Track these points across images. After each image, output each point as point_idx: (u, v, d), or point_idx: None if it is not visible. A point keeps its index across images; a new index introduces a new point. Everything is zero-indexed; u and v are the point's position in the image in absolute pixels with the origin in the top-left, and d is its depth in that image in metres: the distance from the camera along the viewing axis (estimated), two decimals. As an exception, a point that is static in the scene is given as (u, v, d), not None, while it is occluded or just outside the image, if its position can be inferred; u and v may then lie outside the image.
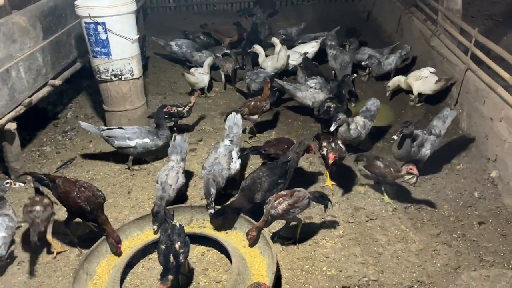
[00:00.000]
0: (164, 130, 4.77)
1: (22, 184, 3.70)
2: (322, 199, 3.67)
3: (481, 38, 5.05)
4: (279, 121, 5.81)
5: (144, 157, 4.86)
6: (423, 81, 5.75)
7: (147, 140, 4.64)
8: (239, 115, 4.50)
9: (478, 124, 4.92)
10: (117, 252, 3.51)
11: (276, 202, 3.53)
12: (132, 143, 4.59)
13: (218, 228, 3.79)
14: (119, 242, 3.49)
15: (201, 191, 4.29)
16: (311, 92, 5.59)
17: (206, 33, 8.00)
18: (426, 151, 4.30)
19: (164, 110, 4.98)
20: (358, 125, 4.75)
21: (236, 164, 4.20)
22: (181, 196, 4.19)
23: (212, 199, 3.74)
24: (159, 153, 4.87)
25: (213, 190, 3.79)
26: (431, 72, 5.79)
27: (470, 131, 5.11)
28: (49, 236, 3.58)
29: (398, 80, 6.06)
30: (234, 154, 4.22)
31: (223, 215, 3.75)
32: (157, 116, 4.89)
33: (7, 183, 3.50)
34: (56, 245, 3.68)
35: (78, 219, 3.71)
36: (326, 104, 5.17)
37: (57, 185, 3.54)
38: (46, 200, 3.54)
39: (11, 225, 3.37)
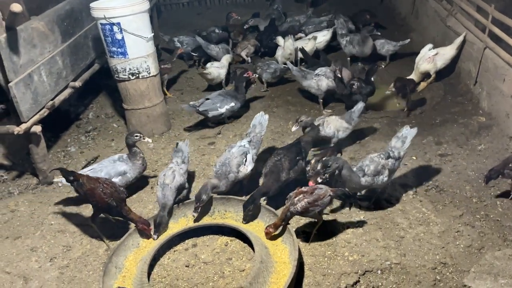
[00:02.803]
0: (242, 93, 5.61)
1: (149, 140, 4.31)
2: (346, 197, 3.66)
3: (498, 15, 4.94)
4: (283, 107, 5.83)
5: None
6: (438, 57, 5.70)
7: (232, 104, 5.49)
8: (266, 115, 4.45)
9: (499, 102, 4.84)
10: (149, 235, 3.70)
11: (296, 199, 3.50)
12: (222, 110, 5.42)
13: (250, 219, 3.84)
14: (148, 225, 3.68)
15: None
16: (315, 80, 5.66)
17: (221, 27, 8.03)
18: (384, 178, 3.80)
19: (245, 75, 5.72)
20: (331, 125, 4.60)
21: (247, 168, 4.10)
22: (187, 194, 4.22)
23: (200, 205, 3.81)
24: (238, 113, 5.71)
25: (204, 197, 3.81)
26: (431, 49, 5.84)
27: (490, 110, 5.03)
28: None
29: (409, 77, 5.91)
30: (249, 158, 4.13)
31: (253, 202, 3.80)
32: (238, 79, 5.71)
33: (136, 135, 4.17)
34: None
35: (103, 216, 3.85)
36: (352, 81, 5.33)
37: (82, 183, 3.66)
38: None
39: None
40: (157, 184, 3.96)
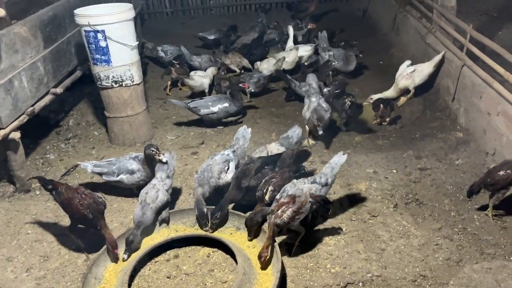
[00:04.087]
0: (237, 99, 5.71)
1: (164, 159, 4.02)
2: (324, 202, 3.70)
3: (475, 34, 5.11)
4: (266, 119, 5.86)
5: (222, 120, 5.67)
6: (416, 74, 5.86)
7: (226, 104, 5.56)
8: (249, 129, 4.50)
9: (476, 118, 4.98)
10: (114, 257, 3.53)
11: (280, 211, 3.46)
12: (214, 109, 5.49)
13: (217, 227, 3.83)
14: (115, 248, 3.51)
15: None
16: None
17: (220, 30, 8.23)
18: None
19: (240, 85, 5.88)
20: (270, 152, 4.49)
21: (228, 176, 4.12)
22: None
23: (205, 220, 3.79)
24: (236, 117, 5.83)
25: (205, 210, 3.81)
26: (409, 65, 6.03)
27: (468, 126, 5.17)
28: None
29: (384, 95, 5.99)
30: (231, 166, 4.16)
31: (220, 210, 3.80)
32: (233, 88, 5.85)
33: (152, 150, 4.05)
34: None
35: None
36: (345, 98, 5.43)
37: (60, 192, 3.59)
38: None
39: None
40: (138, 201, 3.85)
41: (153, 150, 4.05)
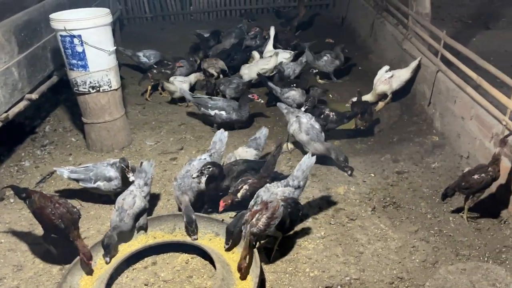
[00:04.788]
0: (244, 110, 5.68)
1: (132, 178, 3.99)
2: (295, 204, 3.71)
3: (449, 40, 5.24)
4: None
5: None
6: (393, 80, 5.97)
7: (223, 112, 5.60)
8: (225, 132, 4.49)
9: (451, 123, 5.09)
10: (89, 269, 3.45)
11: (254, 219, 3.43)
12: (212, 113, 5.62)
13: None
14: (90, 258, 3.42)
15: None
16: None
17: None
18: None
19: (250, 96, 5.73)
20: (238, 156, 4.61)
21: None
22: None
23: (194, 226, 3.75)
24: (241, 124, 5.82)
25: (194, 217, 3.78)
26: (387, 71, 6.14)
27: (443, 130, 5.27)
28: None
29: (365, 98, 6.08)
30: None
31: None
32: (243, 98, 5.76)
33: (123, 164, 4.04)
34: None
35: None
36: (324, 109, 5.39)
37: (33, 200, 3.51)
38: None
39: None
40: (114, 207, 3.80)
41: (123, 167, 4.02)
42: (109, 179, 4.16)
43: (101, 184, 4.18)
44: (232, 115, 5.65)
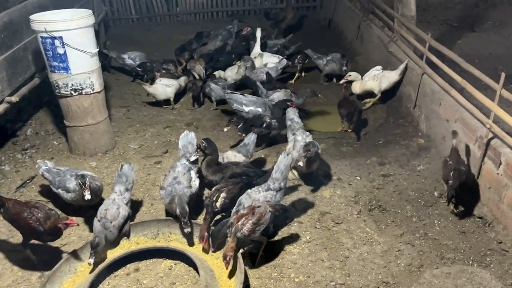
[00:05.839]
0: (277, 115, 5.37)
1: (88, 197, 3.78)
2: (283, 211, 3.67)
3: (434, 43, 5.25)
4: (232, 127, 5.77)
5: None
6: (383, 79, 5.99)
7: (259, 109, 5.48)
8: (192, 133, 4.31)
9: (436, 125, 5.10)
10: (72, 223, 3.45)
11: (239, 223, 3.40)
12: (246, 109, 5.52)
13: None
14: (70, 221, 3.42)
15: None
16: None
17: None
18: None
19: (288, 103, 5.35)
20: (226, 158, 4.59)
21: (195, 183, 4.05)
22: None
23: (187, 218, 3.62)
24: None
25: (187, 209, 3.68)
26: (381, 69, 6.16)
27: (429, 132, 5.28)
28: None
29: (353, 86, 6.25)
30: (193, 173, 4.08)
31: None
32: (279, 105, 5.52)
33: (82, 181, 3.79)
34: None
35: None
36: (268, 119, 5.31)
37: (7, 207, 3.43)
38: None
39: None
40: (96, 217, 3.65)
41: (80, 183, 3.79)
42: (67, 190, 3.99)
43: (61, 192, 4.03)
44: (267, 114, 5.53)
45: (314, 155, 4.37)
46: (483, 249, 3.74)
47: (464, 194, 4.14)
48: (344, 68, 6.96)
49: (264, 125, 5.25)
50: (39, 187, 4.66)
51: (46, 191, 4.58)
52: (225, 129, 5.16)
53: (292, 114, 4.99)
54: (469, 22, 8.45)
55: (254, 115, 5.49)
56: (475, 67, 4.41)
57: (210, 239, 3.64)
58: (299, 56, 7.21)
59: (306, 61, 7.21)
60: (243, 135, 5.01)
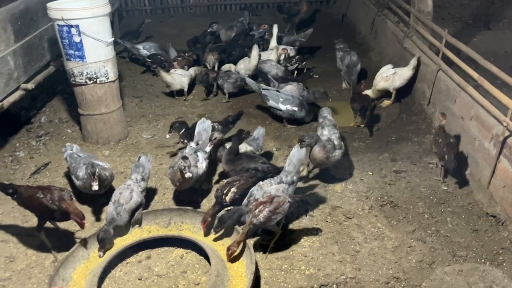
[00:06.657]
0: (310, 110, 5.51)
1: (96, 187, 3.81)
2: (303, 203, 3.67)
3: (451, 39, 5.19)
4: (244, 119, 5.80)
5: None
6: (396, 77, 5.92)
7: (295, 108, 5.48)
8: (208, 121, 4.42)
9: (450, 122, 5.05)
10: (82, 227, 3.48)
11: (257, 210, 3.45)
12: (282, 107, 5.48)
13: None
14: (82, 218, 3.44)
15: (176, 195, 4.33)
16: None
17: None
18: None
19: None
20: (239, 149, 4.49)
21: (203, 165, 4.12)
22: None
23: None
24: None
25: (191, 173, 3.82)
26: (392, 68, 6.07)
27: (442, 130, 5.23)
28: None
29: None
30: (201, 155, 4.16)
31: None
32: (310, 97, 5.66)
33: (92, 170, 3.80)
34: None
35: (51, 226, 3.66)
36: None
37: (20, 192, 3.49)
38: None
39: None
40: (111, 200, 3.74)
41: (89, 173, 3.82)
42: (77, 178, 4.03)
43: (73, 178, 4.10)
44: (302, 113, 5.52)
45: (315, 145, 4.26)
46: (495, 247, 3.72)
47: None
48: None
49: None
50: (53, 173, 4.71)
51: (60, 178, 4.64)
52: (167, 136, 4.85)
53: (326, 112, 4.84)
54: (484, 19, 8.33)
55: (293, 115, 5.46)
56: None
57: (216, 222, 3.67)
58: (297, 56, 7.15)
59: (304, 63, 7.09)
60: (185, 141, 4.73)
